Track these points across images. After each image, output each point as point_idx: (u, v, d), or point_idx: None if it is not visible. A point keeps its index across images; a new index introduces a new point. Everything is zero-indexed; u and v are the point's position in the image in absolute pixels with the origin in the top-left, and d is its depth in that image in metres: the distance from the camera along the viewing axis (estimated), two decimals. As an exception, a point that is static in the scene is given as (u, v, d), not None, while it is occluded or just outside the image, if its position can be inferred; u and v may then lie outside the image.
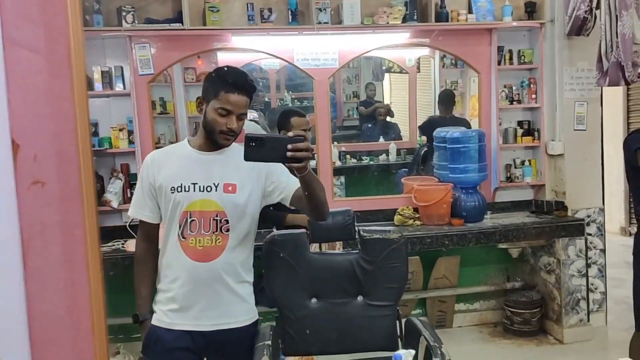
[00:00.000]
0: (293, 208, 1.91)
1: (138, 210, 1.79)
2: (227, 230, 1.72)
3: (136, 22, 3.07)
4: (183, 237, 1.71)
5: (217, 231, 1.71)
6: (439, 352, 1.71)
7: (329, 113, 3.49)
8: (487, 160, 3.44)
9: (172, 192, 1.72)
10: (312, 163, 2.56)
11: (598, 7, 3.11)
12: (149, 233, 1.82)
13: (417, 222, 3.27)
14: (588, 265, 3.40)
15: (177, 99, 5.07)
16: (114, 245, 2.99)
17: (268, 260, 2.03)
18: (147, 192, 1.77)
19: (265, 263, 2.05)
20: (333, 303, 2.01)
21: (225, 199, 1.72)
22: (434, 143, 3.59)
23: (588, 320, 3.41)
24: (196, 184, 1.71)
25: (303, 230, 2.10)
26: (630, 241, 2.84)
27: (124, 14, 3.04)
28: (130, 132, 3.16)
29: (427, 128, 4.47)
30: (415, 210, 3.36)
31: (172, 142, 5.09)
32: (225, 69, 1.74)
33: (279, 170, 1.77)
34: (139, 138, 3.16)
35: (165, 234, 1.76)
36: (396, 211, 3.29)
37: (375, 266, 1.98)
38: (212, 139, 1.73)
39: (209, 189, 1.71)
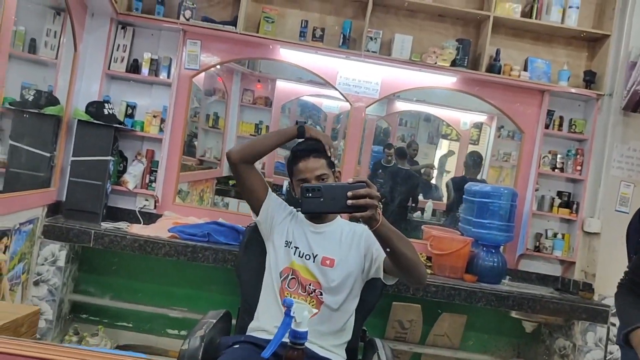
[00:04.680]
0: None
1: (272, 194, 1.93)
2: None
3: (193, 19, 3.18)
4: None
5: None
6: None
7: (360, 143, 3.43)
8: (516, 223, 3.24)
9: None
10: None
11: (660, 85, 2.95)
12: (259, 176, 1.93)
13: (428, 271, 3.09)
14: (607, 360, 3.07)
15: (230, 117, 5.22)
16: (119, 224, 2.99)
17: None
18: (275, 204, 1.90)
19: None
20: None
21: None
22: (463, 196, 3.44)
23: (599, 422, 3.05)
24: (298, 248, 1.81)
25: None
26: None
27: (183, 9, 3.16)
28: (163, 121, 3.21)
29: (454, 185, 4.58)
30: (429, 258, 3.19)
31: (217, 159, 5.33)
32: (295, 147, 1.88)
33: (373, 240, 1.69)
34: (170, 127, 3.20)
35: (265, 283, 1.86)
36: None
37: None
38: None
39: (307, 257, 1.80)
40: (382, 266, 1.69)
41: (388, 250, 1.50)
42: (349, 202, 1.34)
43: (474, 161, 4.52)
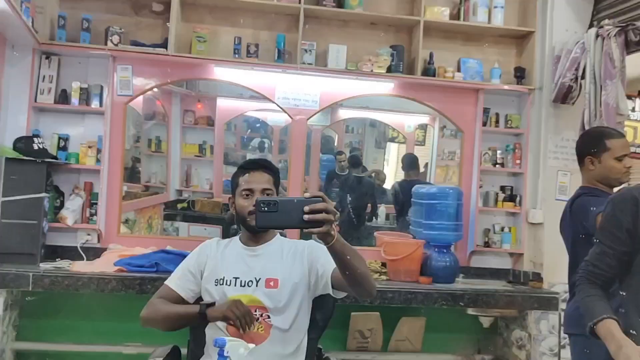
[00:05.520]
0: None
1: (180, 285, 1.81)
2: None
3: (122, 43, 3.08)
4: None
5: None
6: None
7: (304, 155, 3.41)
8: (464, 221, 3.30)
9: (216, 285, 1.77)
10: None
11: (584, 76, 3.08)
12: (169, 299, 1.80)
13: (383, 277, 3.10)
14: (562, 346, 3.16)
15: (172, 139, 5.09)
16: (60, 264, 2.84)
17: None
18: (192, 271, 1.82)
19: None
20: None
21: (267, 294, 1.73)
22: (412, 199, 3.48)
23: (560, 406, 3.13)
24: (237, 278, 1.75)
25: None
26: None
27: (111, 34, 3.06)
28: (99, 151, 3.09)
29: (396, 195, 4.63)
30: (384, 265, 3.20)
31: (162, 183, 5.19)
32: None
33: (320, 254, 1.70)
34: (107, 157, 3.08)
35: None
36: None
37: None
38: (247, 227, 1.78)
39: (249, 284, 1.74)
40: (330, 281, 1.67)
41: (341, 265, 1.47)
42: (306, 217, 1.31)
43: (410, 162, 4.63)
